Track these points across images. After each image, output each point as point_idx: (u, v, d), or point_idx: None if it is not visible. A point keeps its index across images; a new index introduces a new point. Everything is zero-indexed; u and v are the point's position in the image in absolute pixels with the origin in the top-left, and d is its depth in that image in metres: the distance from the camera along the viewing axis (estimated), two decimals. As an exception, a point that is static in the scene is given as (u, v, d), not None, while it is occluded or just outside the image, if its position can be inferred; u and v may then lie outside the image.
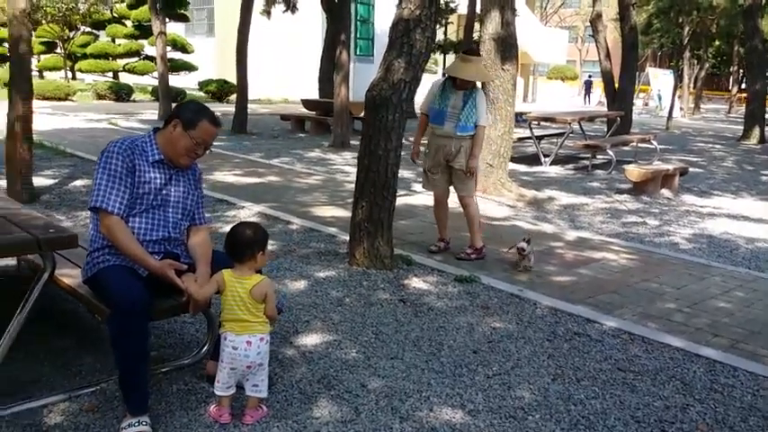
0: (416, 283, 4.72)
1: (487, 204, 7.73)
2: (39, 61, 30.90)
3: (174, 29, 27.80)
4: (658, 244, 6.34)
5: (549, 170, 10.88)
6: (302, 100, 16.26)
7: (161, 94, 15.85)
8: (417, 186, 8.65)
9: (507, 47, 8.19)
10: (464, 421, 2.90)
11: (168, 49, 25.34)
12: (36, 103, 18.87)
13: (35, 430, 2.64)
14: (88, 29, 29.11)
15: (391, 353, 3.55)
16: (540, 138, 12.22)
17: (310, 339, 3.67)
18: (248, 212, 6.55)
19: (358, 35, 28.86)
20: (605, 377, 3.41)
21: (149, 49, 25.52)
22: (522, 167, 11.08)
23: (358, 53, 28.55)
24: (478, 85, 5.60)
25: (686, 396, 3.24)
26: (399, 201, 7.58)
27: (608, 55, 16.82)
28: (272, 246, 5.35)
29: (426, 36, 4.74)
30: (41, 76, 29.14)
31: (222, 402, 2.78)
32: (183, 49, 26.50)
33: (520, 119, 18.09)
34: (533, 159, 11.61)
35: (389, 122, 4.73)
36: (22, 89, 6.35)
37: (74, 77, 29.48)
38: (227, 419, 2.77)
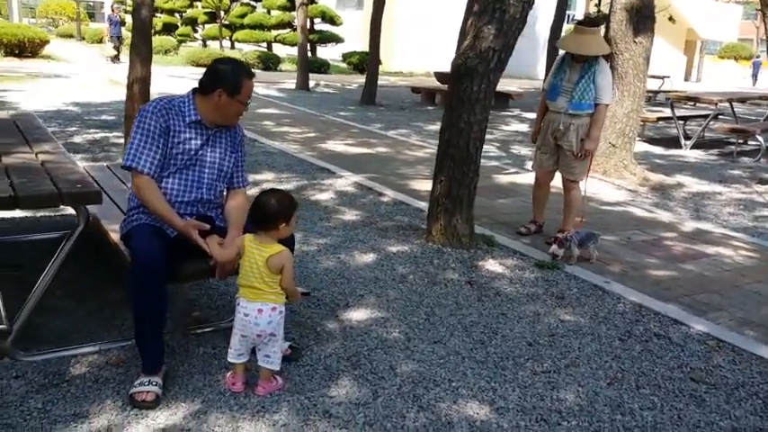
0: (491, 265, 4.44)
1: (605, 187, 7.18)
2: (203, 30, 33.03)
3: (326, 1, 28.47)
4: (793, 243, 5.56)
5: (689, 154, 9.94)
6: (435, 72, 16.02)
7: (299, 65, 16.24)
8: (529, 164, 8.21)
9: (642, 18, 7.49)
10: (487, 419, 2.65)
11: (318, 21, 26.25)
12: (187, 69, 20.08)
13: (58, 379, 2.72)
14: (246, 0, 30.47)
15: (436, 336, 3.34)
16: (684, 119, 11.19)
17: (357, 314, 3.54)
18: (344, 182, 6.51)
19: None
20: (671, 387, 2.99)
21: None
22: (659, 149, 10.22)
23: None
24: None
25: (763, 419, 2.77)
26: (505, 178, 7.26)
27: (778, 30, 15.04)
28: (355, 216, 5.28)
29: (522, 1, 4.38)
30: (204, 45, 31.06)
31: (236, 370, 2.72)
32: (332, 21, 26.99)
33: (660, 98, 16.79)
34: (673, 142, 10.66)
35: (474, 93, 4.44)
36: (141, 52, 6.66)
37: (232, 47, 31.10)
38: (240, 388, 2.71)
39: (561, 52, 5.05)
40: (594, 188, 7.04)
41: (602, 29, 4.76)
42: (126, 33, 20.48)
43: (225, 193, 3.09)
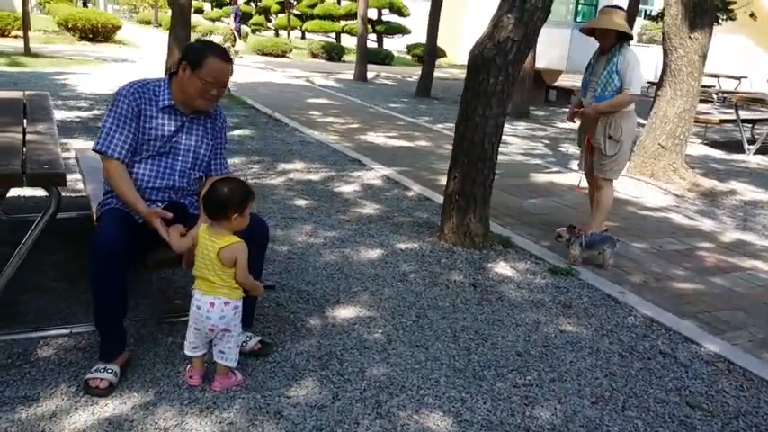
0: (501, 267, 4.24)
1: (650, 191, 6.81)
2: (275, 20, 33.48)
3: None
4: None
5: (751, 159, 9.34)
6: (496, 66, 15.64)
7: (357, 55, 16.19)
8: (575, 164, 7.88)
9: (700, 12, 7.04)
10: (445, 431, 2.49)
11: (385, 11, 26.16)
12: (252, 58, 20.36)
13: (22, 359, 2.72)
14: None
15: (420, 340, 3.19)
16: (751, 122, 10.53)
17: (344, 312, 3.42)
18: (373, 174, 6.39)
19: (581, 0, 27.22)
20: (662, 410, 2.75)
21: (368, 12, 26.27)
22: (719, 153, 9.65)
23: (579, 19, 26.95)
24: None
25: (757, 456, 2.51)
26: (543, 177, 6.97)
27: None
28: (373, 210, 5.17)
29: (545, -11, 4.15)
30: (276, 34, 31.46)
31: (193, 363, 2.66)
32: (399, 11, 26.85)
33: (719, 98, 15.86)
34: (737, 146, 10.05)
35: (490, 86, 4.24)
36: (179, 36, 6.75)
37: (302, 36, 31.42)
38: (196, 382, 2.64)
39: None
40: (639, 191, 6.69)
41: (623, 14, 4.47)
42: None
43: (204, 180, 3.02)
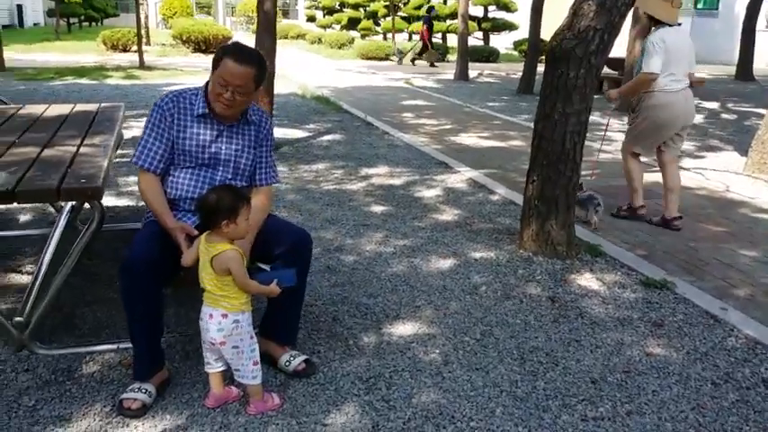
0: (586, 279, 3.85)
1: (759, 188, 6.08)
2: (383, 23, 33.66)
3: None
4: None
5: None
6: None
7: (458, 54, 15.86)
8: (687, 162, 7.25)
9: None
10: (492, 473, 2.20)
11: (492, 8, 25.64)
12: (356, 62, 20.59)
13: (65, 376, 2.68)
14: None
15: (480, 363, 2.90)
16: None
17: (402, 328, 3.19)
18: (457, 178, 6.10)
19: (704, -15, 25.52)
20: (759, 457, 2.33)
21: (474, 10, 25.81)
22: None
23: (699, 6, 25.26)
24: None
25: None
26: (648, 177, 6.36)
27: None
28: (452, 216, 4.90)
29: (632, -30, 3.74)
30: (384, 38, 31.61)
31: (211, 382, 2.50)
32: (506, 7, 26.21)
33: None
34: None
35: (571, 80, 3.87)
36: (264, 44, 6.74)
37: (410, 38, 31.37)
38: (210, 404, 2.49)
39: None
40: (755, 191, 6.01)
41: None
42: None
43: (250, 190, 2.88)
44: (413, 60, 21.08)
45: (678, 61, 4.60)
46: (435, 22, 28.34)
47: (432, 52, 20.82)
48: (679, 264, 4.14)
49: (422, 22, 21.98)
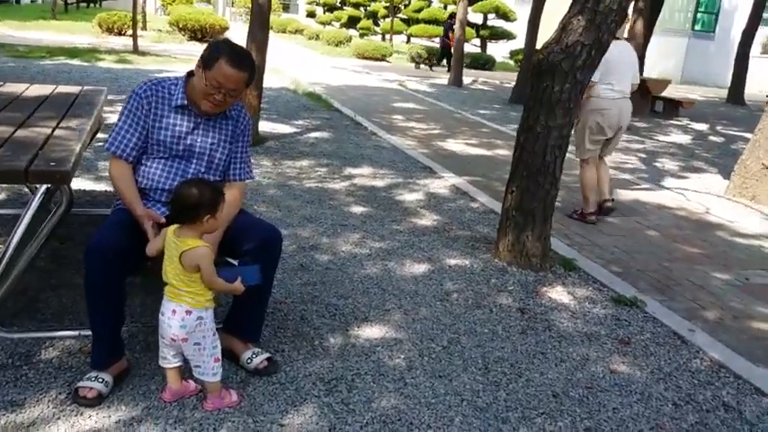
0: (557, 293, 3.86)
1: (748, 215, 6.12)
2: (382, 24, 33.65)
3: (505, -2, 27.75)
4: None
5: None
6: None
7: (453, 60, 15.88)
8: (669, 182, 7.30)
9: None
10: (444, 483, 2.20)
11: (491, 16, 25.71)
12: (351, 61, 20.54)
13: (22, 360, 2.65)
14: (425, -6, 30.56)
15: (444, 370, 2.90)
16: None
17: (370, 331, 3.18)
18: (440, 183, 6.10)
19: (700, 8, 25.66)
20: (712, 482, 2.33)
21: (473, 17, 25.85)
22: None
23: (697, 28, 25.42)
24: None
25: None
26: (629, 195, 6.44)
27: None
28: (431, 221, 4.90)
29: (622, -10, 3.75)
30: (383, 38, 31.58)
31: (167, 376, 2.48)
32: (505, 16, 26.28)
33: None
34: None
35: (555, 94, 3.87)
36: (256, 37, 6.70)
37: (408, 41, 31.41)
38: (167, 397, 2.46)
39: None
40: (734, 215, 6.04)
41: None
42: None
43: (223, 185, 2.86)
44: (431, 66, 21.02)
45: (618, 73, 5.09)
46: (434, 27, 28.41)
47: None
48: (651, 282, 4.15)
49: (444, 28, 21.90)
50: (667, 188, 6.95)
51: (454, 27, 20.71)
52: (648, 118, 12.82)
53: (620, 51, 5.03)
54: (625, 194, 6.44)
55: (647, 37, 13.25)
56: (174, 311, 2.33)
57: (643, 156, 8.88)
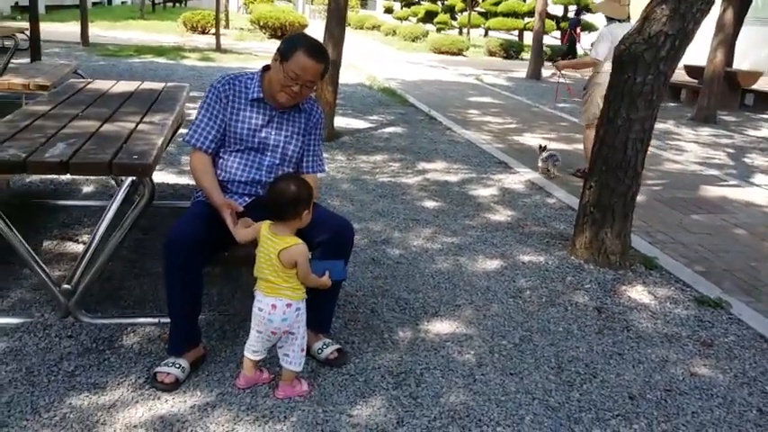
0: (637, 292, 3.73)
1: None
2: (460, 18, 33.41)
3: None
4: None
5: None
6: (685, 66, 14.30)
7: (532, 52, 15.59)
8: (758, 178, 6.94)
9: None
10: (512, 482, 2.16)
11: (573, 8, 25.06)
12: (427, 56, 20.48)
13: (105, 345, 2.76)
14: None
15: (515, 368, 2.85)
16: None
17: (440, 326, 3.16)
18: (516, 178, 6.00)
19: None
20: (801, 495, 2.20)
21: (553, 9, 25.30)
22: None
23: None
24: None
25: None
26: (716, 191, 6.17)
27: None
28: (505, 217, 4.83)
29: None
30: (461, 33, 31.36)
31: (244, 365, 2.53)
32: (587, 9, 25.56)
33: None
34: None
35: (637, 85, 3.73)
36: (334, 33, 6.77)
37: (486, 34, 31.04)
38: (241, 384, 2.52)
39: None
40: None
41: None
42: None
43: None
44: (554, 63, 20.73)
45: None
46: (512, 20, 27.94)
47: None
48: (737, 283, 3.96)
49: (571, 23, 21.59)
50: (757, 185, 6.60)
51: (581, 22, 20.22)
52: (738, 112, 12.23)
53: (623, 31, 4.99)
54: (712, 191, 6.16)
55: (738, 26, 12.60)
56: (273, 306, 2.38)
57: (731, 151, 8.47)
